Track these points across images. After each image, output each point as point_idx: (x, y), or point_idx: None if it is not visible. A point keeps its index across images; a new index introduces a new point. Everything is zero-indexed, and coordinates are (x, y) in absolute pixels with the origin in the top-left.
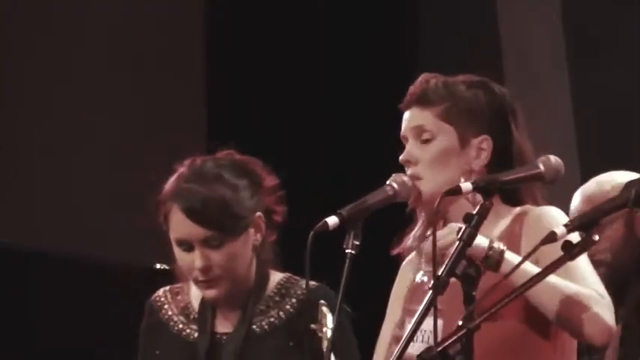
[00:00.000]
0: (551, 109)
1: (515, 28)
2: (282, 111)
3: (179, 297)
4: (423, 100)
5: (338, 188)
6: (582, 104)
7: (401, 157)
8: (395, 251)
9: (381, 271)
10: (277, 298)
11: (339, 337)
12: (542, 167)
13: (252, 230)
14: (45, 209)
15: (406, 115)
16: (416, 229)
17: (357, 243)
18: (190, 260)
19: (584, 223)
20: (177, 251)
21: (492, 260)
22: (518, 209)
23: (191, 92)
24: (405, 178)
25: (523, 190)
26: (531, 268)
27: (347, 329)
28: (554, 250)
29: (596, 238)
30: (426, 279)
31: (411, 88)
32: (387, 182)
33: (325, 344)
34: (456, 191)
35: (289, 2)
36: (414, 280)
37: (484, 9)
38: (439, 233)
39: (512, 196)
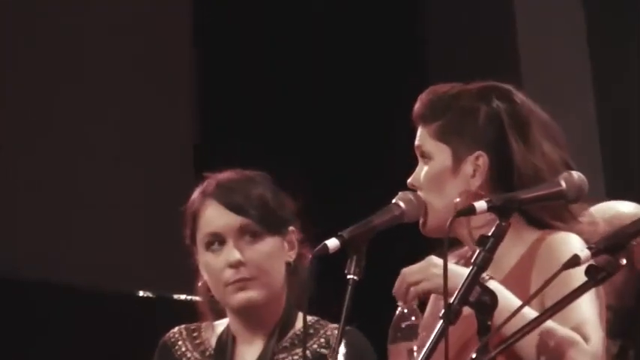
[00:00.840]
0: (572, 120)
1: (534, 33)
2: (281, 113)
3: (195, 334)
4: (422, 117)
5: (339, 197)
6: (607, 113)
7: (408, 181)
8: None
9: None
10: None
11: None
12: (563, 184)
13: (285, 244)
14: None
15: None
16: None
17: (360, 268)
18: (221, 262)
19: (610, 246)
20: (207, 257)
21: None
22: (537, 234)
23: (179, 99)
24: (413, 196)
25: (547, 210)
26: (528, 311)
27: None
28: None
29: (624, 262)
30: (406, 310)
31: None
32: (393, 201)
33: None
34: (469, 211)
35: (290, 1)
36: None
37: (501, 14)
38: (410, 268)
39: (536, 218)
